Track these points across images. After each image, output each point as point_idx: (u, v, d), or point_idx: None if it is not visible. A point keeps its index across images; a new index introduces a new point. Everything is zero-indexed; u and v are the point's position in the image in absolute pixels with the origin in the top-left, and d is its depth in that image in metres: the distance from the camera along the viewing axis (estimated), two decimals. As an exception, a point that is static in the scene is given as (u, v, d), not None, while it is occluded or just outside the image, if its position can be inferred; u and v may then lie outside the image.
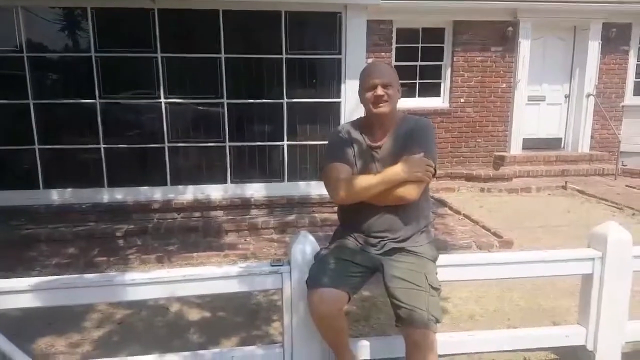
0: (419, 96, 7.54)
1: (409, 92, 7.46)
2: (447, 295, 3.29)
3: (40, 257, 4.29)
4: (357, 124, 2.05)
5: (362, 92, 1.95)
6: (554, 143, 8.06)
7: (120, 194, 5.17)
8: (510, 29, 7.30)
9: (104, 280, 1.96)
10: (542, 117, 7.93)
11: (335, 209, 2.21)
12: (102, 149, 5.11)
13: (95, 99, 4.99)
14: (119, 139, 5.16)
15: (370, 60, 6.76)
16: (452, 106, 7.53)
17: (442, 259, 2.05)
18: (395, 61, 7.30)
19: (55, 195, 5.09)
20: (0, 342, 1.28)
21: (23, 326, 2.73)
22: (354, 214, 1.99)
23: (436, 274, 1.92)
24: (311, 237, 2.05)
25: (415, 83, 7.52)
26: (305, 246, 2.00)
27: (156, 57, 5.01)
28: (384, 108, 1.89)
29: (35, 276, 3.62)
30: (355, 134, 1.99)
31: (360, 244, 1.97)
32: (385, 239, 1.94)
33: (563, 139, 8.09)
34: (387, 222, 1.94)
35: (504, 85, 7.59)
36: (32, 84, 4.90)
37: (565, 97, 7.95)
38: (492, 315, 3.12)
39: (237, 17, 5.04)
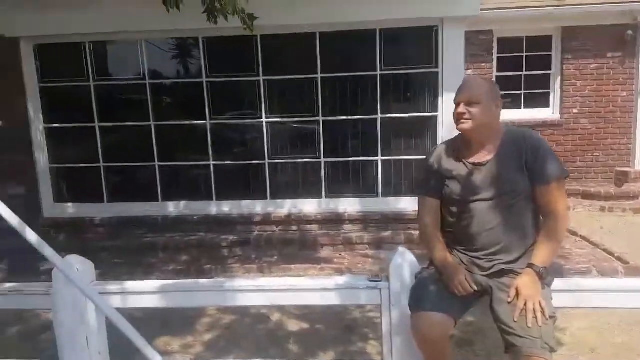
0: (524, 107, 7.08)
1: (513, 103, 7.03)
2: (564, 325, 3.00)
3: (158, 263, 4.75)
4: (455, 142, 2.00)
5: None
6: (689, 157, 7.04)
7: (226, 207, 5.55)
8: (629, 32, 6.58)
9: (216, 285, 2.12)
10: (674, 128, 6.99)
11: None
12: (212, 166, 5.54)
13: (205, 120, 5.45)
14: (225, 156, 5.55)
15: (469, 72, 6.51)
16: (563, 117, 6.95)
17: (559, 283, 1.88)
18: (497, 72, 6.94)
19: (172, 207, 5.60)
20: (134, 338, 1.44)
21: (142, 326, 3.02)
22: (458, 230, 1.92)
23: (551, 299, 1.77)
24: (411, 255, 2.00)
25: (521, 94, 7.07)
26: (404, 264, 1.96)
27: (258, 80, 5.34)
28: (464, 125, 1.86)
29: (154, 280, 4.02)
30: (451, 155, 1.95)
31: (464, 264, 1.88)
32: (493, 259, 1.84)
33: (701, 153, 7.03)
34: (496, 241, 1.83)
35: (625, 94, 6.83)
36: (152, 108, 5.49)
37: (703, 103, 6.93)
38: (617, 349, 2.79)
39: (332, 38, 5.19)
